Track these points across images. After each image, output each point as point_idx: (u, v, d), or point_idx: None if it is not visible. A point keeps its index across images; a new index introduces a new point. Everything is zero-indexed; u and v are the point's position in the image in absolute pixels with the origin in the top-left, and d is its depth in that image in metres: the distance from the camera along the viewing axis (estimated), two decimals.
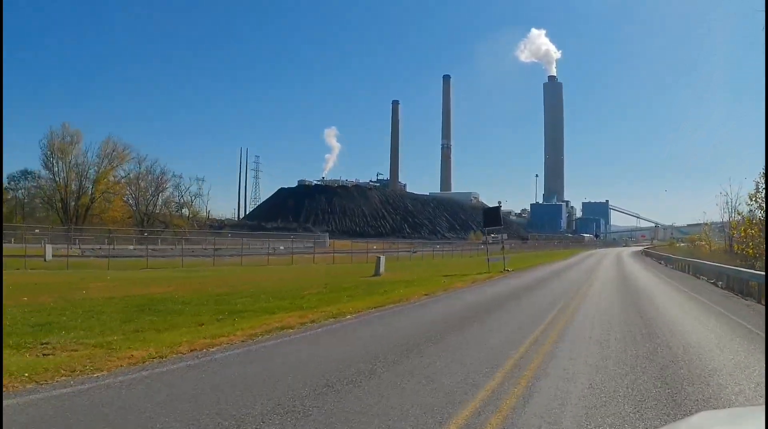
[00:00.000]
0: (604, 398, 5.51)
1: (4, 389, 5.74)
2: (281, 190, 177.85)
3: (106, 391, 5.76)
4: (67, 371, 6.60)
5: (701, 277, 29.35)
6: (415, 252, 73.70)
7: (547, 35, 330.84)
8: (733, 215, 40.18)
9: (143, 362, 7.20)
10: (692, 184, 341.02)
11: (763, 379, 6.31)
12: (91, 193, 78.17)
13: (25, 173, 79.94)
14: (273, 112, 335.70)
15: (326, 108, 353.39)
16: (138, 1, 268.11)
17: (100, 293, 17.08)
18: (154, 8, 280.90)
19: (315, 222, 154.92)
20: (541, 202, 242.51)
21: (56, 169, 76.94)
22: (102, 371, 6.68)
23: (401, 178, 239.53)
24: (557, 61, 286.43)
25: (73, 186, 76.52)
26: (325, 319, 11.62)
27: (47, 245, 41.57)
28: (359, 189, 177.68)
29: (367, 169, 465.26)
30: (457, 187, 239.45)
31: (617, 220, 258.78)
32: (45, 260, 35.40)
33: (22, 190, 79.67)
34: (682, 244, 78.25)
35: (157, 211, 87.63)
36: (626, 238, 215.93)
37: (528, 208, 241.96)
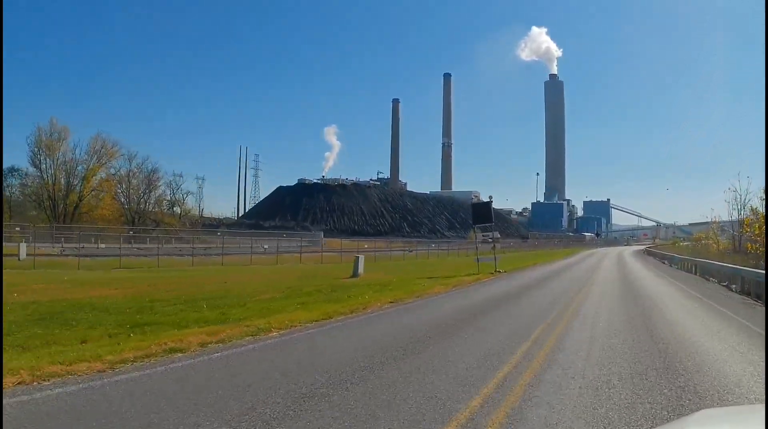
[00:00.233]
0: None
1: None
2: (280, 188, 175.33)
3: None
4: None
5: (711, 279, 26.60)
6: (411, 251, 71.36)
7: (548, 34, 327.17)
8: (742, 212, 37.34)
9: None
10: (694, 183, 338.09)
11: None
12: (80, 191, 75.86)
13: (12, 170, 77.68)
14: (273, 110, 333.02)
15: (326, 107, 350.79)
16: (138, 0, 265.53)
17: (29, 297, 15.06)
18: (154, 8, 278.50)
19: (313, 221, 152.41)
20: (542, 200, 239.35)
21: (44, 166, 74.63)
22: None
23: (402, 177, 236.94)
24: (558, 59, 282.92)
25: (62, 183, 74.32)
26: (240, 338, 8.99)
27: (21, 244, 39.68)
28: (358, 187, 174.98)
29: (367, 168, 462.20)
30: (458, 185, 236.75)
31: (618, 219, 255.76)
32: (19, 259, 33.55)
33: (9, 188, 77.47)
34: (685, 243, 75.31)
35: (148, 210, 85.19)
36: (628, 237, 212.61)
37: (529, 207, 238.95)
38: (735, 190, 36.26)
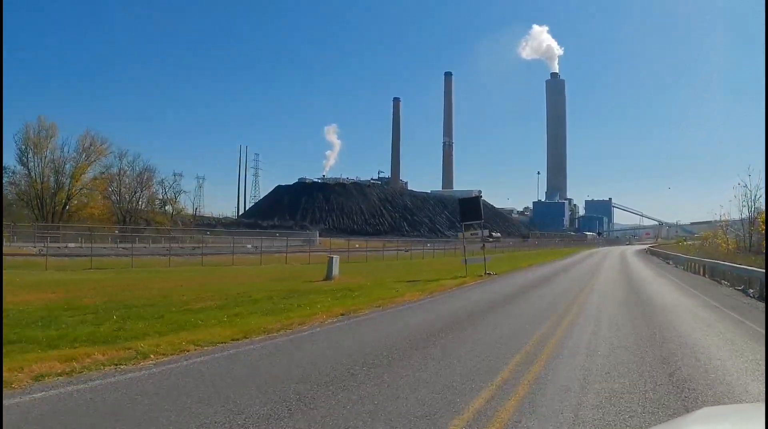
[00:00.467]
0: None
1: None
2: (279, 187, 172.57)
3: None
4: None
5: (722, 281, 23.77)
6: (406, 251, 68.94)
7: (549, 32, 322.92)
8: (753, 209, 34.44)
9: None
10: (696, 183, 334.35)
11: None
12: (68, 190, 73.57)
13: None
14: (274, 110, 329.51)
15: (327, 106, 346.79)
16: (137, 0, 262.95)
17: None
18: (154, 8, 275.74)
19: (312, 220, 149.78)
20: (543, 200, 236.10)
21: (32, 164, 72.40)
22: None
23: (403, 177, 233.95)
24: (559, 58, 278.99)
25: (50, 182, 72.09)
26: (97, 368, 6.43)
27: None
28: (358, 187, 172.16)
29: (368, 168, 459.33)
30: (459, 185, 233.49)
31: (620, 219, 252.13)
32: None
33: None
34: (690, 243, 72.19)
35: (140, 208, 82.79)
36: (629, 236, 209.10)
37: (530, 206, 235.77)
38: (745, 186, 33.30)
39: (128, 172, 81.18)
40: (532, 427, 4.46)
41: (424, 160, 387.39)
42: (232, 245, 47.84)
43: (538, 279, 23.07)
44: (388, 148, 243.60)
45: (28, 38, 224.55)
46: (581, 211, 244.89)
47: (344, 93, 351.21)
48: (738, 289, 19.59)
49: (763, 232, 28.43)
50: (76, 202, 74.90)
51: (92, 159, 75.60)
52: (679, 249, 58.28)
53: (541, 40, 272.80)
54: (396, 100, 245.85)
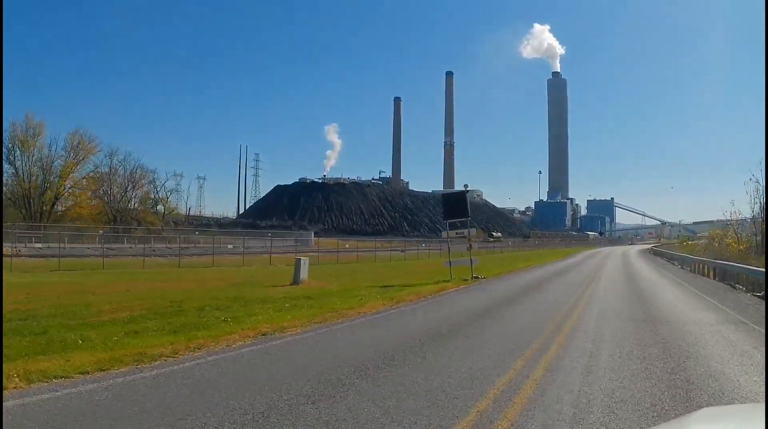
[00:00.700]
0: None
1: None
2: (278, 187, 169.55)
3: None
4: None
5: (737, 286, 20.93)
6: (403, 251, 66.43)
7: (550, 31, 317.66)
8: (765, 205, 31.42)
9: None
10: (698, 182, 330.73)
11: None
12: (56, 189, 71.25)
13: None
14: (274, 110, 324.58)
15: (328, 106, 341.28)
16: (136, 0, 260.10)
17: None
18: (153, 7, 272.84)
19: (311, 220, 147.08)
20: (545, 199, 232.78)
21: (19, 163, 70.12)
22: None
23: (404, 176, 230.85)
24: (561, 57, 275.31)
25: (38, 181, 69.80)
26: None
27: None
28: (357, 187, 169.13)
29: (369, 168, 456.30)
30: (460, 184, 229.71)
31: (622, 218, 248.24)
32: None
33: None
34: (694, 242, 69.09)
35: (131, 208, 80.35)
36: (632, 235, 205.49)
37: (532, 205, 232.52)
38: (757, 181, 30.25)
39: (119, 171, 79.06)
40: None
41: (425, 159, 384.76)
42: (213, 246, 45.43)
43: (529, 284, 20.13)
44: (389, 148, 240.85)
45: (25, 36, 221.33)
46: (583, 211, 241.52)
47: (345, 93, 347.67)
48: (757, 296, 16.80)
49: None
50: (65, 201, 72.77)
51: (80, 157, 73.26)
52: (684, 249, 55.27)
53: (543, 39, 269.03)
54: (397, 100, 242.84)
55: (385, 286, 19.45)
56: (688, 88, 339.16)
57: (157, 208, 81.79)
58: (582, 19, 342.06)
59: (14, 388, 5.61)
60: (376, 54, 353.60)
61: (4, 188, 71.35)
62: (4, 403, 4.85)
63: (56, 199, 69.99)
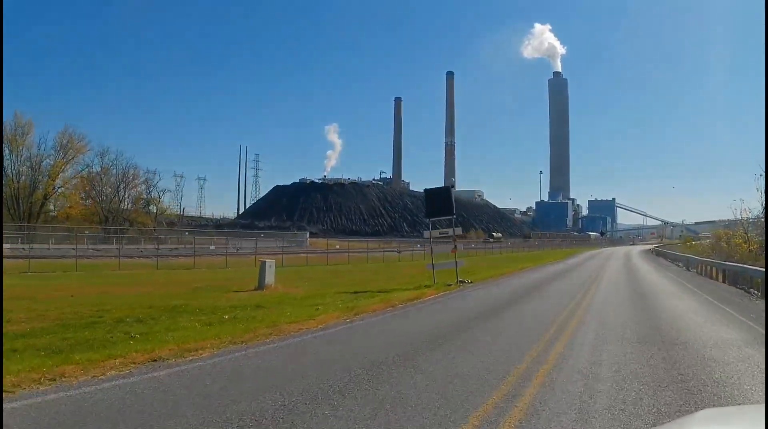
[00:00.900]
0: None
1: None
2: (277, 187, 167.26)
3: None
4: None
5: (752, 291, 18.51)
6: (399, 252, 64.51)
7: (551, 31, 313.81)
8: None
9: None
10: (699, 183, 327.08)
11: None
12: (45, 189, 69.23)
13: None
14: (275, 110, 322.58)
15: (328, 106, 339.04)
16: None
17: None
18: (152, 7, 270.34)
19: (310, 220, 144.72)
20: (546, 200, 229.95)
21: (7, 162, 68.20)
22: None
23: (405, 177, 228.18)
24: (562, 57, 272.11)
25: (27, 181, 67.85)
26: None
27: None
28: (357, 187, 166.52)
29: (370, 168, 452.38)
30: (462, 185, 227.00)
31: (624, 219, 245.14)
32: None
33: None
34: (698, 242, 66.47)
35: (123, 208, 78.28)
36: (633, 236, 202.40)
37: (533, 206, 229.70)
38: None
39: (111, 171, 77.14)
40: None
41: (426, 160, 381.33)
42: (194, 247, 43.26)
43: (519, 291, 17.60)
44: (390, 148, 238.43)
45: (23, 36, 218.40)
46: (584, 211, 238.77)
47: (346, 93, 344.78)
48: None
49: None
50: (54, 201, 70.87)
51: (70, 157, 71.31)
52: (689, 249, 52.67)
53: (543, 39, 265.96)
54: (398, 100, 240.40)
55: (357, 292, 17.15)
56: (689, 87, 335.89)
57: (150, 208, 79.82)
58: (583, 19, 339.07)
59: None
60: (377, 54, 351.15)
61: None
62: None
63: (45, 199, 68.10)
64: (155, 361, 6.94)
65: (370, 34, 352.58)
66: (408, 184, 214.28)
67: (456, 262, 19.48)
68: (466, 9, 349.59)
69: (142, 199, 79.26)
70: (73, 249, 49.10)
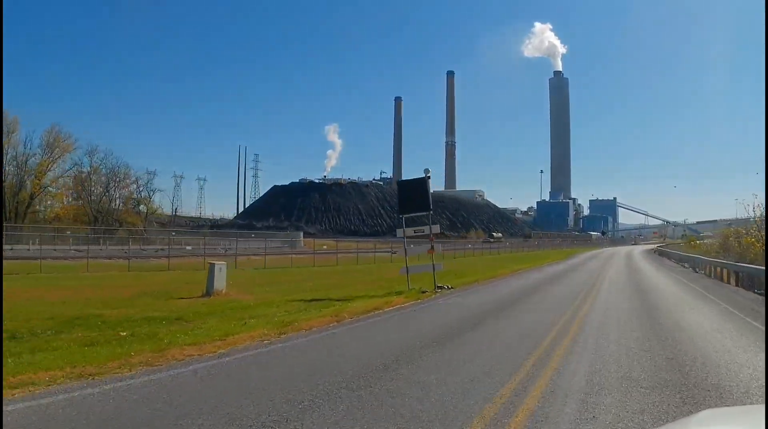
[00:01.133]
0: None
1: None
2: (275, 187, 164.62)
3: None
4: None
5: None
6: (394, 252, 61.87)
7: (552, 30, 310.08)
8: None
9: None
10: (701, 182, 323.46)
11: None
12: (31, 188, 66.94)
13: None
14: (275, 110, 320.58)
15: (328, 106, 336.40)
16: None
17: None
18: (151, 7, 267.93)
19: (308, 220, 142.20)
20: (547, 199, 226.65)
21: None
22: None
23: (405, 176, 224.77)
24: (563, 56, 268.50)
25: (13, 180, 65.56)
26: None
27: None
28: (356, 187, 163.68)
29: (371, 168, 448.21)
30: (462, 184, 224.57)
31: (625, 218, 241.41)
32: None
33: None
34: (703, 241, 63.46)
35: (113, 208, 75.92)
36: (635, 235, 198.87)
37: (534, 206, 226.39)
38: None
39: (101, 170, 74.89)
40: None
41: (427, 160, 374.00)
42: (169, 247, 40.72)
43: (504, 300, 14.68)
44: (390, 148, 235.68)
45: (22, 36, 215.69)
46: (586, 211, 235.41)
47: (346, 93, 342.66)
48: None
49: None
50: (40, 201, 68.69)
51: (56, 155, 69.05)
52: (694, 249, 49.74)
53: (544, 38, 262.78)
54: (398, 100, 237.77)
55: (314, 300, 14.52)
56: (691, 87, 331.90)
57: (140, 208, 77.47)
58: (584, 18, 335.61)
59: None
60: (377, 54, 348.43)
61: None
62: None
63: (32, 198, 65.88)
64: None
65: (371, 34, 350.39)
66: None
67: (433, 265, 16.78)
68: (467, 8, 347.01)
69: (132, 198, 77.03)
70: (54, 250, 46.85)
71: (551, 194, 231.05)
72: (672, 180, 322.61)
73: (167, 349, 7.59)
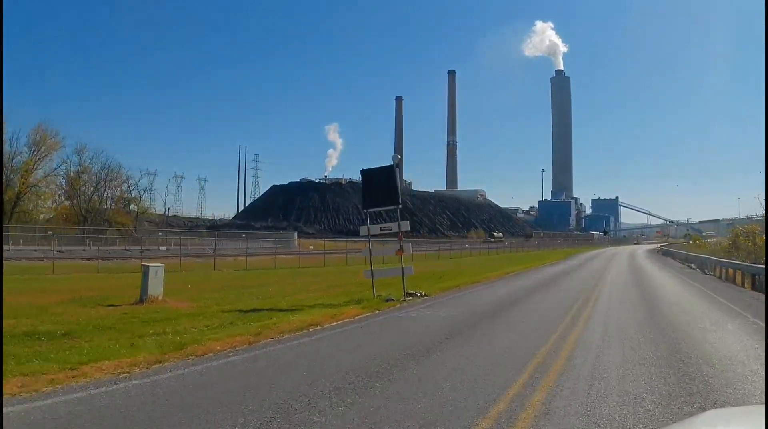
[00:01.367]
0: None
1: None
2: (274, 187, 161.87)
3: None
4: None
5: None
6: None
7: (553, 29, 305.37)
8: None
9: None
10: (703, 182, 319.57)
11: None
12: (17, 187, 64.72)
13: None
14: (275, 110, 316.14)
15: (329, 105, 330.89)
16: None
17: None
18: (150, 6, 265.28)
19: (307, 220, 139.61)
20: (549, 199, 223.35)
21: None
22: None
23: (407, 176, 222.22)
24: (564, 55, 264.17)
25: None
26: None
27: None
28: (355, 186, 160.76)
29: (371, 167, 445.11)
30: (464, 184, 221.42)
31: (627, 218, 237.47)
32: None
33: None
34: (708, 241, 60.62)
35: (103, 208, 73.67)
36: (638, 235, 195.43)
37: (536, 205, 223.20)
38: None
39: (90, 169, 72.74)
40: None
41: (428, 159, 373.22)
42: (141, 248, 38.42)
43: (482, 312, 11.64)
44: (391, 148, 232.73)
45: (20, 37, 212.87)
46: (588, 211, 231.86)
47: (346, 93, 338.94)
48: None
49: None
50: (27, 200, 66.53)
51: (43, 153, 66.83)
52: (701, 249, 46.90)
53: (545, 37, 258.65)
54: (398, 99, 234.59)
55: (253, 310, 12.02)
56: (693, 86, 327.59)
57: (131, 207, 75.19)
58: (585, 17, 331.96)
59: None
60: (378, 53, 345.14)
61: None
62: None
63: (18, 198, 63.70)
64: None
65: (371, 33, 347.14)
66: (410, 184, 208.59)
67: (402, 268, 14.14)
68: (467, 7, 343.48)
69: (123, 198, 74.79)
70: (35, 250, 44.72)
71: (553, 194, 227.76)
72: (673, 179, 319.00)
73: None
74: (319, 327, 9.54)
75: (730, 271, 24.68)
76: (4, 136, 62.64)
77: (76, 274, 28.57)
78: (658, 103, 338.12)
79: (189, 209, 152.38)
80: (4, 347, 7.88)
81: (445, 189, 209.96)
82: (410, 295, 14.15)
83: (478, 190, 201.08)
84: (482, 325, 9.70)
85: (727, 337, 8.75)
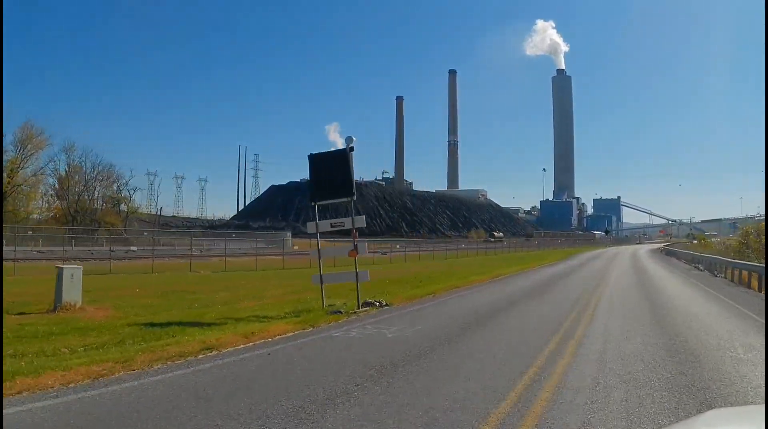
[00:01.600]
0: None
1: None
2: (273, 187, 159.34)
3: None
4: None
5: None
6: (384, 253, 57.71)
7: (554, 28, 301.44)
8: None
9: None
10: (705, 181, 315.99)
11: None
12: (3, 186, 62.55)
13: None
14: (275, 110, 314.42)
15: (328, 106, 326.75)
16: None
17: None
18: (149, 6, 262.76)
19: (306, 220, 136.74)
20: (551, 198, 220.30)
21: None
22: None
23: (407, 176, 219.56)
24: (565, 54, 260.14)
25: None
26: None
27: None
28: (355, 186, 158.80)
29: (373, 168, 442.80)
30: (465, 184, 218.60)
31: (629, 217, 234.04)
32: None
33: None
34: (714, 240, 57.92)
35: (92, 208, 71.56)
36: (640, 234, 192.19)
37: (538, 205, 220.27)
38: None
39: (81, 169, 70.73)
40: None
41: (429, 159, 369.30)
42: (110, 249, 36.04)
43: (451, 328, 8.82)
44: (392, 147, 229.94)
45: (20, 37, 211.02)
46: (589, 210, 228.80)
47: (346, 92, 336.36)
48: None
49: None
50: (12, 200, 64.43)
51: (29, 152, 64.72)
52: (707, 249, 44.21)
53: (546, 36, 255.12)
54: (399, 99, 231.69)
55: (178, 324, 9.64)
56: (693, 86, 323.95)
57: (120, 207, 73.07)
58: (586, 16, 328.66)
59: None
60: (378, 53, 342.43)
61: None
62: None
63: (3, 197, 61.61)
64: None
65: (371, 33, 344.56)
66: (411, 183, 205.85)
67: (356, 272, 11.67)
68: (468, 7, 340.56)
69: (113, 198, 72.69)
70: (14, 250, 42.55)
71: (555, 193, 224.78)
72: (675, 179, 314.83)
73: None
74: (214, 352, 7.03)
75: (744, 274, 22.13)
76: (3, 136, 60.64)
77: (34, 276, 26.19)
78: (659, 102, 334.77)
79: (190, 209, 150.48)
80: None
81: (446, 189, 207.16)
82: (368, 304, 11.66)
83: (480, 190, 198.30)
84: (432, 354, 7.05)
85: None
